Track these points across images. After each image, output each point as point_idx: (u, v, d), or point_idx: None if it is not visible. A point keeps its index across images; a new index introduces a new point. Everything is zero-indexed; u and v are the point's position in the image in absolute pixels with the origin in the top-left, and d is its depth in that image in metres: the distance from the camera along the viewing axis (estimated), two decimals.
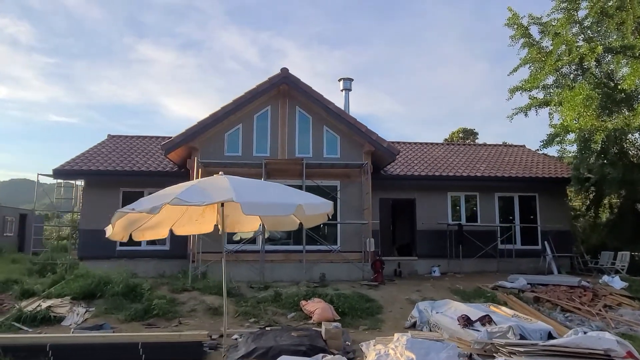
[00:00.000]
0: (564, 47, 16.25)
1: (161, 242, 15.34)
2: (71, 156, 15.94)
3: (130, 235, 6.02)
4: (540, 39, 17.42)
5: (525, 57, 17.47)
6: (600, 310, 11.24)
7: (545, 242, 16.22)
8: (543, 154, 19.69)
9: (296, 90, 14.17)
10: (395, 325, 10.31)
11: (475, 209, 16.94)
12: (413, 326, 10.01)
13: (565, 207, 17.49)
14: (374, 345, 5.92)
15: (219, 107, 13.91)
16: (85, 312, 10.43)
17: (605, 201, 18.49)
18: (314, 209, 5.19)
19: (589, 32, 16.43)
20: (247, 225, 6.98)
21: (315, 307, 10.50)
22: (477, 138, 33.77)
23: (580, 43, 16.35)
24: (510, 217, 17.00)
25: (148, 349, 7.25)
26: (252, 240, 13.97)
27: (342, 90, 16.89)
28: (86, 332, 8.29)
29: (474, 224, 16.38)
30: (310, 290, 11.77)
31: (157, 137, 19.16)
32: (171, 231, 6.83)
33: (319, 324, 9.92)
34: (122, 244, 15.08)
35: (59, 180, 16.51)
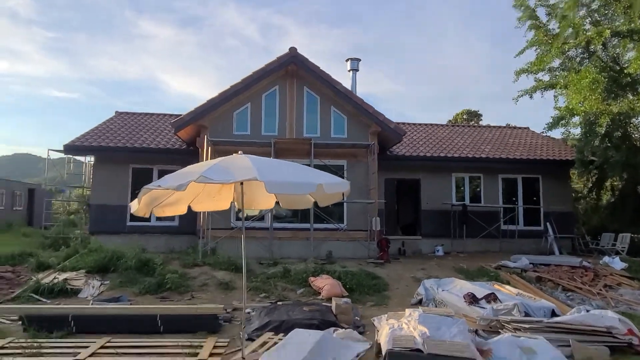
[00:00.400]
0: (570, 30, 16.25)
1: (170, 218, 15.58)
2: (74, 131, 16.19)
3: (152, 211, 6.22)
4: (547, 21, 17.42)
5: (532, 39, 17.47)
6: (600, 289, 11.55)
7: (548, 223, 16.48)
8: (547, 136, 19.82)
9: (304, 70, 14.23)
10: (402, 301, 10.60)
11: (478, 189, 17.16)
12: (419, 303, 10.29)
13: (567, 189, 17.70)
14: (387, 320, 6.18)
15: (227, 85, 14.03)
16: (101, 285, 10.74)
17: (607, 183, 18.72)
18: (333, 187, 5.39)
19: (596, 15, 16.38)
20: (263, 203, 7.17)
21: (324, 283, 10.80)
22: (481, 120, 33.89)
23: (588, 26, 16.36)
24: (514, 199, 17.22)
25: (166, 320, 7.54)
26: (260, 218, 14.23)
27: (349, 71, 16.93)
28: (105, 303, 8.58)
29: (478, 205, 16.60)
30: (318, 267, 12.06)
31: (164, 115, 19.28)
32: (189, 207, 7.04)
33: (329, 300, 10.26)
34: (132, 219, 15.35)
35: (68, 156, 16.68)
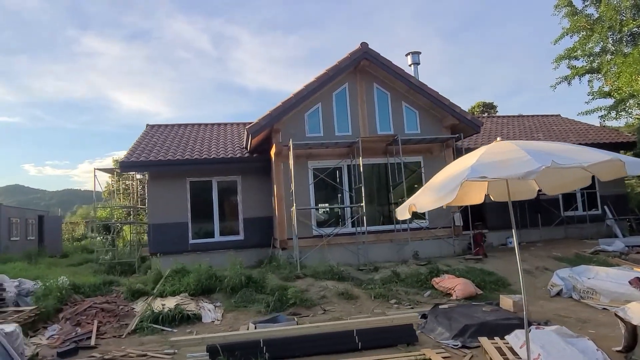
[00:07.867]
0: (612, 12, 16.46)
1: (235, 232, 14.68)
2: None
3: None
4: (584, 7, 17.65)
5: (570, 25, 17.66)
6: None
7: (606, 207, 16.58)
8: (584, 122, 20.06)
9: (375, 65, 13.64)
10: (535, 294, 10.22)
11: None
12: (558, 294, 9.97)
13: None
14: None
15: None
16: (215, 307, 9.80)
17: None
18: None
19: None
20: (474, 197, 6.52)
21: (454, 283, 10.25)
22: (496, 111, 33.72)
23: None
24: None
25: (362, 335, 6.81)
26: (339, 222, 13.48)
27: (410, 65, 16.47)
28: (268, 325, 7.70)
29: (541, 193, 16.41)
30: (428, 268, 11.52)
31: (199, 125, 18.21)
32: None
33: (466, 299, 9.75)
34: (194, 236, 14.32)
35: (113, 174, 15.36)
